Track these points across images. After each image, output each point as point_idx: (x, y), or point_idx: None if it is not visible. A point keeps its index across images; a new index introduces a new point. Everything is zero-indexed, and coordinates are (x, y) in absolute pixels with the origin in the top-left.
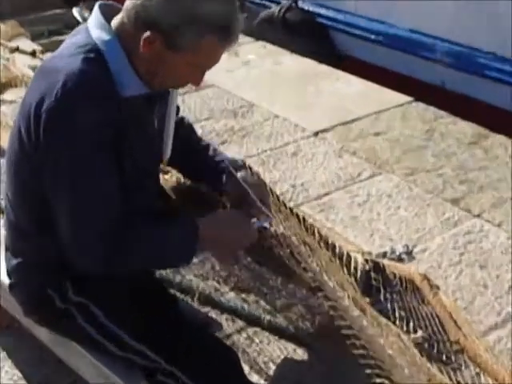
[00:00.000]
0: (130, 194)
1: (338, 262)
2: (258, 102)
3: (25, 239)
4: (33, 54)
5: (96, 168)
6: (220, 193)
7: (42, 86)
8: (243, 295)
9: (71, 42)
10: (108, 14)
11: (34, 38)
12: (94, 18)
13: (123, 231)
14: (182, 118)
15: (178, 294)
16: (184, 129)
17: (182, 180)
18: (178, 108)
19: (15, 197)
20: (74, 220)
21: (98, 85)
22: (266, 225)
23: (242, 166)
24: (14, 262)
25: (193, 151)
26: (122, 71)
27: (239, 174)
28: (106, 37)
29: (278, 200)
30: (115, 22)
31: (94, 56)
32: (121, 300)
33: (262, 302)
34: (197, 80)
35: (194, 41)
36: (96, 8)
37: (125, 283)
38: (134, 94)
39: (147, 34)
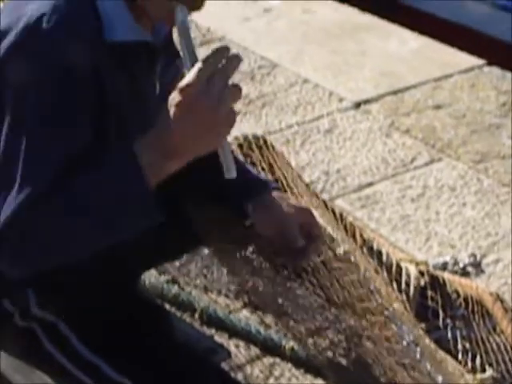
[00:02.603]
0: None
1: (385, 274)
2: (282, 62)
3: None
4: None
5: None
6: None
7: (7, 22)
8: (259, 314)
9: None
10: None
11: None
12: None
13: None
14: None
15: (172, 311)
16: None
17: None
18: None
19: None
20: None
21: (77, 18)
22: None
23: (277, 187)
24: None
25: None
26: (113, 7)
27: (274, 198)
28: None
29: (308, 190)
30: None
31: None
32: (98, 317)
33: None
34: None
35: None
36: None
37: (104, 295)
38: (127, 39)
39: None
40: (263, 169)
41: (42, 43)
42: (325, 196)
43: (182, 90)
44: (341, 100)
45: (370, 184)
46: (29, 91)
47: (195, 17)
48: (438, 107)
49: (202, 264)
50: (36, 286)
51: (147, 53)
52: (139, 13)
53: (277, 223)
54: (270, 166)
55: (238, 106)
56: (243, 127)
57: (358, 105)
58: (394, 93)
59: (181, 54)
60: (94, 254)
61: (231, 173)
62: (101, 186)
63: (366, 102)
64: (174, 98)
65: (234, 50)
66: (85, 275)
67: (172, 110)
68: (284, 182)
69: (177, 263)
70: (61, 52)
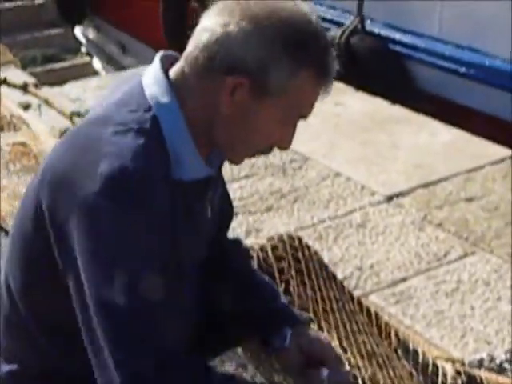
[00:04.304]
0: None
1: (421, 377)
2: (313, 156)
3: (26, 341)
4: (24, 87)
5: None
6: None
7: (80, 161)
8: None
9: (118, 98)
10: (167, 65)
11: (24, 66)
12: (152, 70)
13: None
14: (240, 241)
15: None
16: (239, 254)
17: None
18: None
19: (21, 287)
20: (131, 338)
21: (153, 175)
22: None
23: (309, 320)
24: (6, 368)
25: (246, 287)
26: (183, 148)
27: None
28: (163, 98)
29: (343, 288)
30: (173, 74)
31: (149, 129)
32: None
33: None
34: (288, 138)
35: (288, 79)
36: (157, 60)
37: None
38: (194, 178)
39: (232, 79)
40: (293, 277)
41: (123, 200)
42: (358, 292)
43: None
44: (373, 194)
45: (404, 279)
46: (123, 237)
47: None
48: (470, 199)
49: (237, 363)
50: None
51: (205, 182)
52: (202, 141)
53: (305, 353)
54: (301, 272)
55: (270, 201)
56: (275, 222)
57: (390, 198)
58: (426, 185)
59: None
60: None
61: None
62: None
63: (398, 195)
64: None
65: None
66: None
67: None
68: (314, 296)
69: (213, 363)
70: (143, 199)
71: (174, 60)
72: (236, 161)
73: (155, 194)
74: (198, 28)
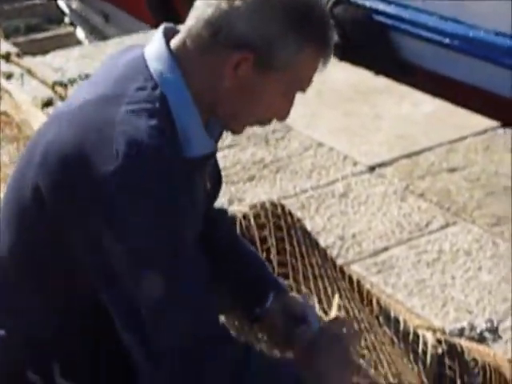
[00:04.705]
0: None
1: (402, 344)
2: (296, 126)
3: (10, 305)
4: (6, 57)
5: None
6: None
7: (91, 140)
8: None
9: (121, 73)
10: (169, 38)
11: (7, 36)
12: (156, 44)
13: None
14: (225, 210)
15: None
16: (225, 223)
17: None
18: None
19: (14, 256)
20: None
21: (168, 153)
22: None
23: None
24: None
25: (232, 255)
26: (190, 125)
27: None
28: (169, 74)
29: (325, 255)
30: (174, 46)
31: (159, 108)
32: None
33: None
34: (286, 110)
35: (294, 54)
36: (160, 32)
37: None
38: (202, 154)
39: (237, 54)
40: (273, 245)
41: (143, 178)
42: (340, 261)
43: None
44: (355, 164)
45: (386, 249)
46: (142, 218)
47: None
48: (452, 170)
49: None
50: (61, 356)
51: (206, 157)
52: (203, 114)
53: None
54: (283, 240)
55: (253, 170)
56: (258, 192)
57: (372, 168)
58: (409, 156)
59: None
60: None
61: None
62: None
63: (381, 165)
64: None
65: None
66: (109, 347)
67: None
68: (296, 263)
69: None
70: (161, 177)
71: (176, 33)
72: (237, 130)
73: (171, 172)
74: (200, 1)
